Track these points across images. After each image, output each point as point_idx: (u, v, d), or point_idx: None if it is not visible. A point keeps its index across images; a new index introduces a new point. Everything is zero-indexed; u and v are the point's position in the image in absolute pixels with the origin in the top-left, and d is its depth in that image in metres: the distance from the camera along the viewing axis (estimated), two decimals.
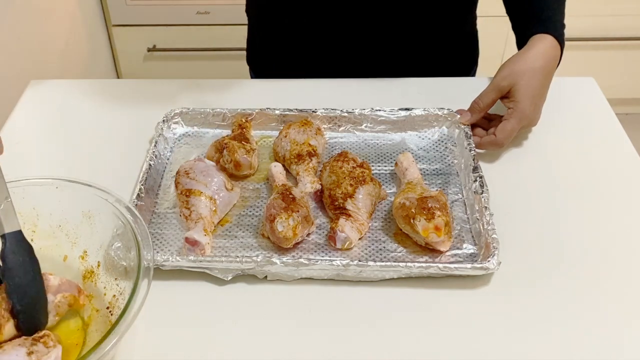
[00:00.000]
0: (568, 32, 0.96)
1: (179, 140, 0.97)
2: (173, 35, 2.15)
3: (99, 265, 0.74)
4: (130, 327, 0.62)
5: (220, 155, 0.89)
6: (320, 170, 0.88)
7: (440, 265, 0.74)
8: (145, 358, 0.69)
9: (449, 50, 1.13)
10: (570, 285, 0.75)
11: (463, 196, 0.86)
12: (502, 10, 1.02)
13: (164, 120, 0.96)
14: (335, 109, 0.96)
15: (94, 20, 2.09)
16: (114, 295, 0.71)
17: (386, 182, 0.89)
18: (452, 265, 0.74)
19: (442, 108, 0.96)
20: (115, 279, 0.72)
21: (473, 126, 0.94)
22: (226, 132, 0.97)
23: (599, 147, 0.95)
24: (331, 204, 0.82)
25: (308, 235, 0.81)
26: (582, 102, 1.04)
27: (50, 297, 0.68)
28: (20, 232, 0.67)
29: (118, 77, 2.26)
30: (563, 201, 0.86)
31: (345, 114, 0.96)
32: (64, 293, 0.69)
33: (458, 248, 0.79)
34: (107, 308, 0.71)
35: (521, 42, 0.96)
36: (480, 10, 1.15)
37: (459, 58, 1.17)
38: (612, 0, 2.08)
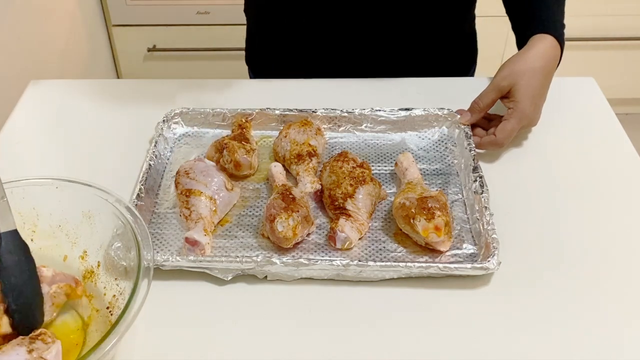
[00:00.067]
0: (568, 32, 0.96)
1: (179, 140, 0.97)
2: (173, 35, 2.15)
3: (99, 265, 0.74)
4: (130, 327, 0.62)
5: (220, 155, 0.89)
6: (320, 170, 0.88)
7: (440, 265, 0.74)
8: (145, 358, 0.69)
9: (447, 50, 1.13)
10: (570, 285, 0.75)
11: (463, 196, 0.86)
12: (501, 10, 1.02)
13: (164, 120, 0.96)
14: (335, 109, 0.96)
15: (94, 20, 2.09)
16: (114, 295, 0.71)
17: (386, 182, 0.89)
18: (452, 265, 0.74)
19: (442, 108, 0.96)
20: (115, 279, 0.72)
21: (473, 126, 0.94)
22: (226, 132, 0.97)
23: (599, 147, 0.95)
24: (331, 204, 0.82)
25: (308, 235, 0.81)
26: (582, 102, 1.04)
27: (45, 287, 0.68)
28: (16, 231, 0.67)
29: (118, 77, 2.26)
30: (563, 201, 0.86)
31: (345, 114, 0.96)
32: (59, 283, 0.69)
33: (458, 248, 0.79)
34: (107, 308, 0.71)
35: (521, 42, 0.96)
36: (479, 10, 1.15)
37: (458, 58, 1.17)
38: (612, 0, 2.07)
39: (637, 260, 0.78)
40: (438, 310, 0.73)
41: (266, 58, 1.19)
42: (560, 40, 0.93)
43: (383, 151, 0.94)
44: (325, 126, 0.97)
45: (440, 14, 1.08)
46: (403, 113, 0.96)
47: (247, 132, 0.94)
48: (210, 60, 2.19)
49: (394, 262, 0.76)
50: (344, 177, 0.83)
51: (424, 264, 0.74)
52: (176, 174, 0.86)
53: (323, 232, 0.82)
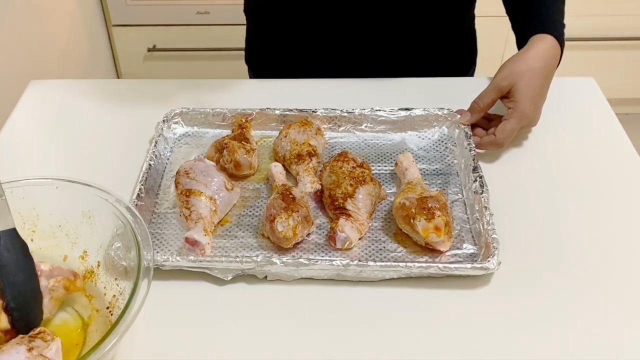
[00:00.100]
0: (568, 32, 0.96)
1: (179, 140, 0.97)
2: (173, 35, 2.15)
3: (99, 265, 0.74)
4: (130, 327, 0.62)
5: (220, 155, 0.89)
6: (320, 170, 0.88)
7: (440, 265, 0.74)
8: (145, 358, 0.69)
9: (447, 49, 1.13)
10: (570, 285, 0.75)
11: (463, 196, 0.86)
12: (501, 10, 1.02)
13: (164, 120, 0.96)
14: (335, 109, 0.96)
15: (94, 20, 2.09)
16: (114, 295, 0.71)
17: (386, 182, 0.89)
18: (452, 265, 0.74)
19: (442, 108, 0.96)
20: (115, 279, 0.72)
21: (473, 126, 0.94)
22: (226, 132, 0.97)
23: (599, 147, 0.95)
24: (331, 204, 0.82)
25: (308, 235, 0.81)
26: (582, 102, 1.04)
27: (43, 281, 0.68)
28: (14, 230, 0.67)
29: (118, 77, 2.26)
30: (563, 201, 0.86)
31: (345, 114, 0.96)
32: (57, 277, 0.69)
33: (458, 248, 0.79)
34: (107, 308, 0.71)
35: (521, 42, 0.96)
36: (479, 10, 1.15)
37: (458, 58, 1.17)
38: (612, 0, 2.07)
39: (637, 260, 0.78)
40: (438, 310, 0.73)
41: (266, 58, 1.19)
42: (560, 40, 0.93)
43: (383, 151, 0.94)
44: (325, 126, 0.97)
45: (439, 14, 1.08)
46: (403, 113, 0.96)
47: (247, 132, 0.94)
48: (210, 60, 2.19)
49: (394, 262, 0.76)
50: (344, 177, 0.83)
51: (424, 264, 0.74)
52: (176, 174, 0.86)
53: (323, 232, 0.82)
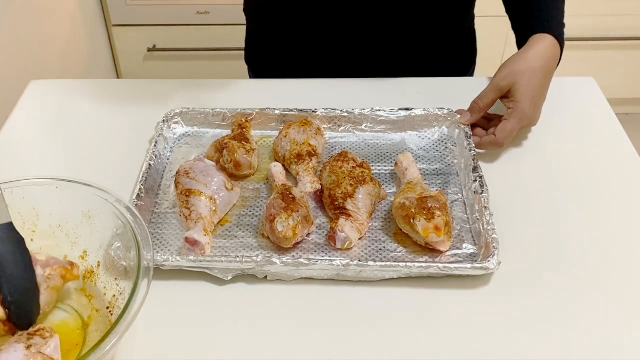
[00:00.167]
0: (568, 32, 0.96)
1: (179, 140, 0.97)
2: (173, 35, 2.15)
3: (99, 265, 0.74)
4: (130, 327, 0.62)
5: (220, 155, 0.89)
6: (320, 170, 0.88)
7: (440, 265, 0.74)
8: (145, 358, 0.69)
9: (447, 49, 1.13)
10: (570, 285, 0.75)
11: (463, 196, 0.86)
12: (501, 10, 1.02)
13: (164, 120, 0.96)
14: (335, 109, 0.96)
15: (94, 20, 2.09)
16: (114, 295, 0.71)
17: (386, 182, 0.89)
18: (452, 265, 0.74)
19: (442, 108, 0.96)
20: (115, 279, 0.72)
21: (473, 126, 0.94)
22: (226, 132, 0.97)
23: (599, 147, 0.95)
24: (331, 204, 0.82)
25: (308, 235, 0.81)
26: (582, 102, 1.04)
27: (39, 271, 0.68)
28: (11, 224, 0.67)
29: (118, 77, 2.26)
30: (563, 201, 0.86)
31: (345, 114, 0.96)
32: (53, 266, 0.68)
33: (458, 248, 0.79)
34: (107, 308, 0.71)
35: (521, 42, 0.96)
36: (479, 10, 1.15)
37: (457, 58, 1.17)
38: (612, 0, 2.08)
39: (637, 260, 0.78)
40: (438, 310, 0.73)
41: (266, 58, 1.19)
42: (560, 40, 0.93)
43: (383, 151, 0.94)
44: (325, 126, 0.97)
45: (439, 14, 1.08)
46: (403, 113, 0.96)
47: (247, 132, 0.94)
48: (210, 60, 2.19)
49: (394, 262, 0.76)
50: (344, 177, 0.83)
51: (424, 264, 0.74)
52: (176, 174, 0.86)
53: (323, 232, 0.82)
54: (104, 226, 0.74)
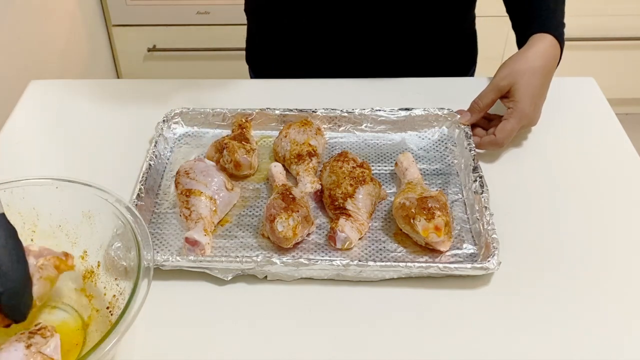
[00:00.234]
0: (568, 32, 0.96)
1: (179, 140, 0.97)
2: (173, 35, 2.15)
3: (99, 265, 0.74)
4: (130, 327, 0.62)
5: (220, 155, 0.89)
6: (320, 170, 0.88)
7: (440, 265, 0.74)
8: (145, 358, 0.69)
9: (447, 49, 1.13)
10: (570, 285, 0.75)
11: (463, 196, 0.86)
12: (501, 10, 1.02)
13: (164, 120, 0.96)
14: (335, 109, 0.96)
15: (94, 20, 2.09)
16: (114, 295, 0.71)
17: (386, 182, 0.89)
18: (452, 265, 0.74)
19: (442, 108, 0.96)
20: (115, 279, 0.72)
21: (473, 126, 0.94)
22: (226, 132, 0.97)
23: (599, 147, 0.95)
24: (331, 204, 0.82)
25: (308, 235, 0.81)
26: (582, 102, 1.04)
27: (31, 260, 0.66)
28: (3, 215, 0.66)
29: (118, 77, 2.26)
30: (563, 201, 0.86)
31: (345, 114, 0.96)
32: (46, 256, 0.68)
33: (458, 248, 0.79)
34: (107, 308, 0.71)
35: (521, 42, 0.96)
36: (479, 10, 1.15)
37: (458, 58, 1.17)
38: (612, 0, 2.08)
39: (637, 260, 0.78)
40: (438, 310, 0.73)
41: (266, 58, 1.19)
42: (560, 39, 0.93)
43: (383, 151, 0.94)
44: (325, 126, 0.97)
45: (440, 14, 1.08)
46: (403, 113, 0.96)
47: (247, 132, 0.94)
48: (210, 60, 2.19)
49: (394, 262, 0.76)
50: (344, 177, 0.83)
51: (424, 264, 0.74)
52: (176, 174, 0.86)
53: (323, 232, 0.82)
54: (104, 226, 0.74)
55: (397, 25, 1.06)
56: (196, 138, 0.97)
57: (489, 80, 0.95)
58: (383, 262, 0.75)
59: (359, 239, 0.80)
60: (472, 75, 1.21)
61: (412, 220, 0.77)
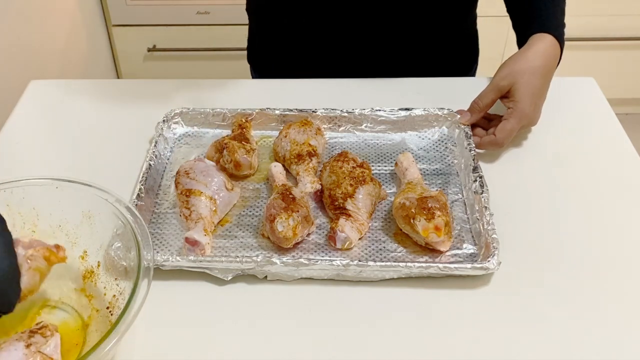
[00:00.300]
0: (568, 32, 0.96)
1: (179, 140, 0.97)
2: (173, 35, 2.15)
3: (99, 265, 0.74)
4: (130, 327, 0.62)
5: (220, 155, 0.89)
6: (320, 170, 0.88)
7: (440, 265, 0.74)
8: (145, 358, 0.69)
9: (449, 49, 1.13)
10: (570, 285, 0.75)
11: (463, 196, 0.86)
12: (502, 10, 1.02)
13: (164, 120, 0.96)
14: (335, 109, 0.96)
15: (94, 20, 2.09)
16: (114, 295, 0.71)
17: (386, 182, 0.89)
18: (452, 265, 0.74)
19: (442, 108, 0.96)
20: (115, 279, 0.72)
21: (473, 126, 0.94)
22: (226, 132, 0.97)
23: (599, 147, 0.95)
24: (331, 204, 0.82)
25: (308, 235, 0.81)
26: (582, 102, 1.04)
27: (20, 250, 0.65)
28: None
29: (118, 77, 2.26)
30: (563, 201, 0.86)
31: (345, 114, 0.96)
32: (35, 247, 0.66)
33: (458, 248, 0.79)
34: (107, 308, 0.71)
35: (521, 42, 0.96)
36: (480, 10, 1.15)
37: (459, 57, 1.17)
38: (612, 0, 2.08)
39: (637, 260, 0.78)
40: (438, 310, 0.73)
41: (267, 57, 1.19)
42: (560, 39, 0.93)
43: (383, 151, 0.94)
44: (325, 126, 0.97)
45: (441, 14, 1.08)
46: (403, 113, 0.96)
47: (247, 132, 0.94)
48: (211, 60, 2.19)
49: (394, 262, 0.76)
50: (344, 177, 0.83)
51: (424, 264, 0.74)
52: (176, 174, 0.86)
53: (323, 232, 0.82)
54: (104, 226, 0.74)
55: (398, 25, 1.06)
56: (196, 138, 0.97)
57: (489, 80, 0.95)
58: (383, 262, 0.75)
59: (359, 239, 0.80)
60: (473, 74, 1.21)
61: (412, 220, 0.77)
